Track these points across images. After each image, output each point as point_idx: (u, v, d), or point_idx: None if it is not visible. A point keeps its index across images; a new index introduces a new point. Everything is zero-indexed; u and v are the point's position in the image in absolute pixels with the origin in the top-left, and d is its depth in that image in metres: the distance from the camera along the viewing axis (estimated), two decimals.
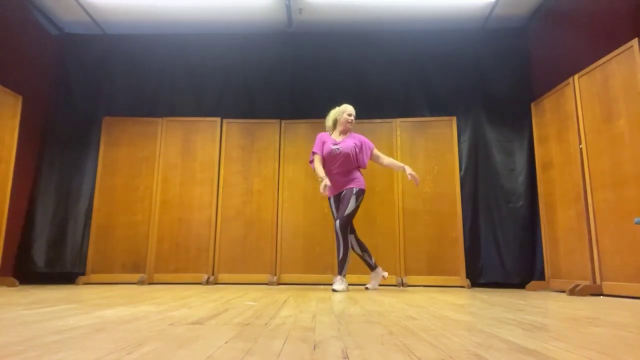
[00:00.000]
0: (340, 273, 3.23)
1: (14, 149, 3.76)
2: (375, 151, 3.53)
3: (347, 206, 3.26)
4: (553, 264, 3.79)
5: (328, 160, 3.38)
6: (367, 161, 3.48)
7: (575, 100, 3.50)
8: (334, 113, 3.52)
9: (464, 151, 4.36)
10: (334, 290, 3.12)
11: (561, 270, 3.67)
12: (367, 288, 3.41)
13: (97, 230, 4.22)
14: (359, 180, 3.39)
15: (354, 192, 3.30)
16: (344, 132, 3.48)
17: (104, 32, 4.77)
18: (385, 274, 3.47)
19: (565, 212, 3.62)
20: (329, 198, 3.45)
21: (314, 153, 3.42)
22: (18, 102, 3.82)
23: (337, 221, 3.25)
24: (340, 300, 2.38)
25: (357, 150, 3.40)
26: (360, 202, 3.34)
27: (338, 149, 3.35)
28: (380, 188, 4.27)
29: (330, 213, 3.52)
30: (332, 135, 3.50)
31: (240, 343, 1.09)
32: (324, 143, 3.42)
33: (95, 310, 1.77)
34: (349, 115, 3.46)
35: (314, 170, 3.41)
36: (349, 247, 3.28)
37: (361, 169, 3.47)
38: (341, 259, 3.23)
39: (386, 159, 3.55)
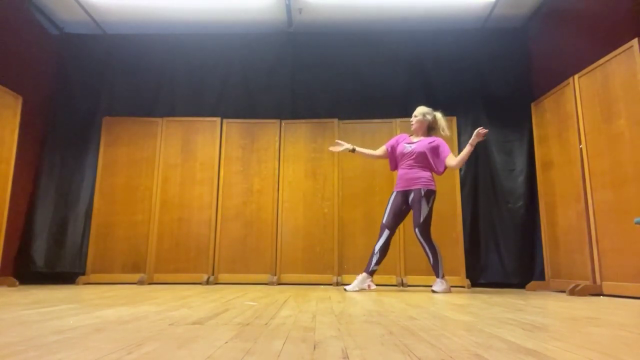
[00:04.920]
0: (438, 276, 3.23)
1: (14, 149, 3.76)
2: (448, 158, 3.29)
3: (420, 212, 3.20)
4: (553, 264, 3.79)
5: (399, 158, 3.41)
6: (441, 168, 3.29)
7: (575, 100, 3.50)
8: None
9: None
10: (433, 292, 3.18)
11: (561, 270, 3.66)
12: (345, 289, 3.26)
13: (97, 230, 4.22)
14: (427, 179, 3.26)
15: (422, 193, 3.21)
16: (415, 134, 3.47)
17: (104, 32, 4.77)
18: (373, 286, 3.30)
19: (565, 212, 3.62)
20: (394, 192, 3.36)
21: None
22: (18, 102, 3.82)
23: (417, 229, 3.20)
24: (340, 301, 2.38)
25: (429, 152, 3.29)
26: (432, 204, 3.22)
27: (410, 146, 3.35)
28: (380, 188, 4.27)
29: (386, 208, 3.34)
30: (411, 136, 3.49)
31: (240, 343, 1.09)
32: (397, 141, 3.47)
33: (95, 310, 1.77)
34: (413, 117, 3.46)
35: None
36: (436, 249, 3.22)
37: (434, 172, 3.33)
38: (433, 263, 3.23)
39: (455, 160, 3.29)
